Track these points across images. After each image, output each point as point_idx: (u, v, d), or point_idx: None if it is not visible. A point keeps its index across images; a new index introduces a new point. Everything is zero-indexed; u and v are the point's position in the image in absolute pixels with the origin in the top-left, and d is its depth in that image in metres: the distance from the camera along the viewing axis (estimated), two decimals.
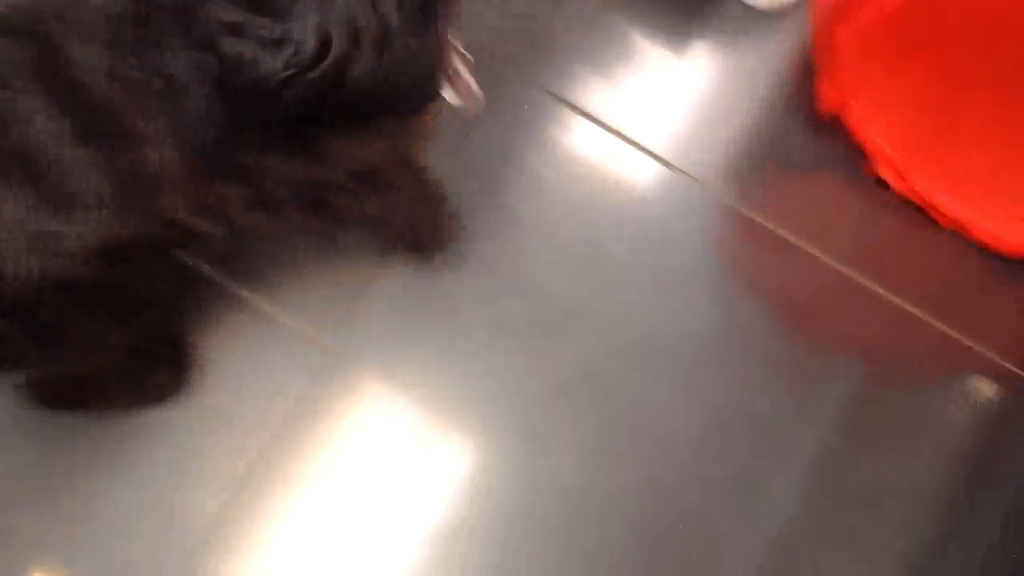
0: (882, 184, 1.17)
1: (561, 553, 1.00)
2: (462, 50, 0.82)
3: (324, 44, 0.60)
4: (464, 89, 0.86)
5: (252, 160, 0.69)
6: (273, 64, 0.60)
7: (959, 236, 1.17)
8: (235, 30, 0.61)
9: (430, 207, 1.01)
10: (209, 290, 1.03)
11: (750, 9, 1.23)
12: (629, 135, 1.16)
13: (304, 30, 0.59)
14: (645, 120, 1.17)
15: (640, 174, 1.15)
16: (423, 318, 1.06)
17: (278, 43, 0.60)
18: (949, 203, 1.15)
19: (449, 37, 0.71)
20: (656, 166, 1.15)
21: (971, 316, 1.14)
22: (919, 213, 1.17)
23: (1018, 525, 1.08)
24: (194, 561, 0.95)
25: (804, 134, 1.19)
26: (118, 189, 0.63)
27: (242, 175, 0.69)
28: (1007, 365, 1.13)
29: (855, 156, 1.18)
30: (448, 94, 0.85)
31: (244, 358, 1.01)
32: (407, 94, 0.67)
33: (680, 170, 1.15)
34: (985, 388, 1.12)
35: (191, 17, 0.62)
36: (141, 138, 0.64)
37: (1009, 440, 1.11)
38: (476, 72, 0.87)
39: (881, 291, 1.14)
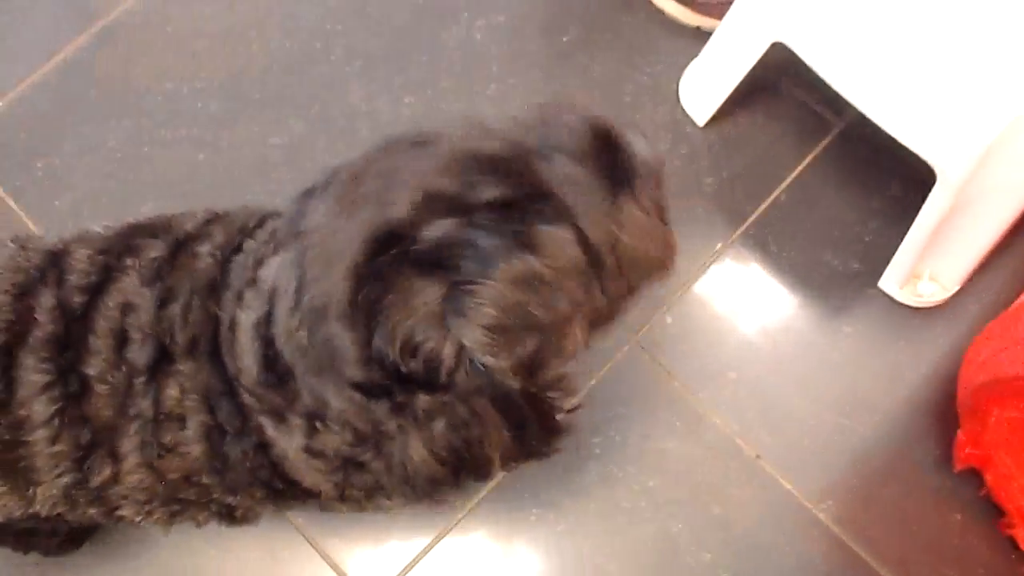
0: (1015, 545, 1.03)
1: None
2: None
3: None
4: None
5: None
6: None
7: None
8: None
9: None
10: None
11: (901, 308, 1.13)
12: (730, 431, 1.07)
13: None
14: (755, 414, 1.08)
15: (735, 474, 1.06)
16: None
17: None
18: None
19: None
20: (755, 468, 1.06)
21: None
22: None
23: None
24: None
25: (935, 462, 1.06)
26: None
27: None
28: None
29: (989, 505, 1.04)
30: None
31: None
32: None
33: (781, 478, 1.05)
34: None
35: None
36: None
37: None
38: None
39: None
